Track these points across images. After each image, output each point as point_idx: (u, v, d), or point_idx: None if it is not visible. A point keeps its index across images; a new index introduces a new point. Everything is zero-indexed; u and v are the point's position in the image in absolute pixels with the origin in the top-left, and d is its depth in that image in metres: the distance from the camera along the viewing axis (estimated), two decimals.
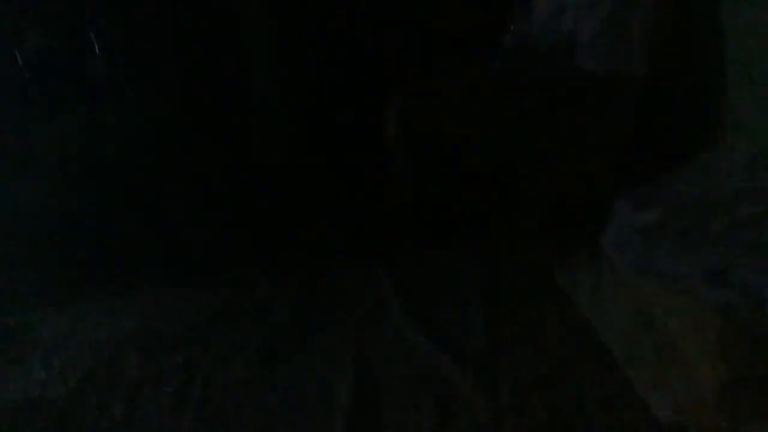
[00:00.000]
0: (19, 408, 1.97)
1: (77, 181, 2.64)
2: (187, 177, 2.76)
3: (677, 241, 2.02)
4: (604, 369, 1.95)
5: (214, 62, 2.71)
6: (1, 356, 2.24)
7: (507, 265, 2.48)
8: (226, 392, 1.98)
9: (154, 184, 2.72)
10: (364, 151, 2.79)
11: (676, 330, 1.84)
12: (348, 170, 2.90)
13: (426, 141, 2.57)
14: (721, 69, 2.30)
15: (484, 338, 2.13)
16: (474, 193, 2.59)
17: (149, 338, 2.25)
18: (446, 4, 2.89)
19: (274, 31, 2.82)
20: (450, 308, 2.29)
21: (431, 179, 2.63)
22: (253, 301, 2.46)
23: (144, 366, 2.11)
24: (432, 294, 2.39)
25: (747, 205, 1.95)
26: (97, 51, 2.55)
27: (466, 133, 2.54)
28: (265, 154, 2.91)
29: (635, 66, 2.40)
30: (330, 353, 2.13)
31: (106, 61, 2.58)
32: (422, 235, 2.66)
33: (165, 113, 2.72)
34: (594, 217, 2.24)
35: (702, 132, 2.41)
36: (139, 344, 2.22)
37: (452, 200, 2.62)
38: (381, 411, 1.86)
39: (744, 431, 1.60)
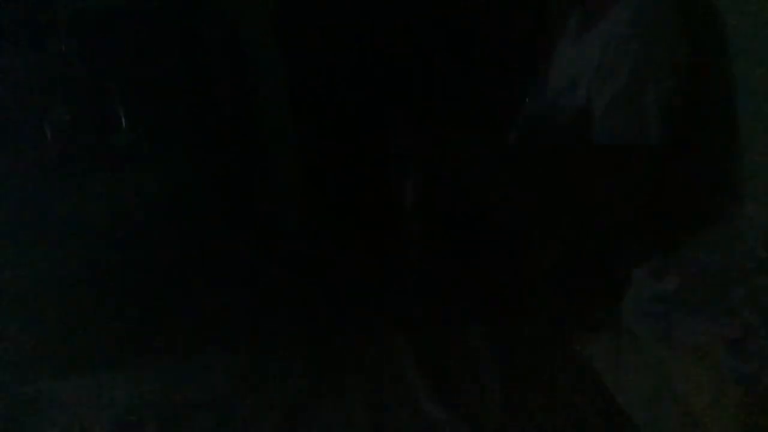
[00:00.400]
0: None
1: (99, 249, 2.69)
2: (207, 243, 2.80)
3: (697, 310, 2.00)
4: None
5: (236, 133, 2.78)
6: (19, 428, 2.24)
7: (524, 335, 2.46)
8: None
9: (175, 250, 2.76)
10: (381, 217, 2.81)
11: (697, 401, 1.81)
12: (365, 236, 2.91)
13: (443, 209, 2.59)
14: (738, 135, 2.32)
15: (501, 408, 2.10)
16: (491, 260, 2.59)
17: (170, 405, 2.24)
18: (462, 75, 2.94)
19: (293, 105, 2.89)
20: (467, 378, 2.28)
21: (448, 247, 2.64)
22: (273, 367, 2.45)
23: None
24: (449, 364, 2.37)
25: (767, 274, 1.94)
26: (123, 122, 2.63)
27: (483, 203, 2.56)
28: (282, 221, 2.94)
29: (651, 136, 2.42)
30: (348, 422, 2.11)
31: (132, 132, 2.66)
32: (440, 304, 2.65)
33: (188, 181, 2.78)
34: (613, 285, 2.24)
35: (720, 200, 2.42)
36: (161, 411, 2.21)
37: (469, 267, 2.62)
38: None
39: None
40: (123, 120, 2.62)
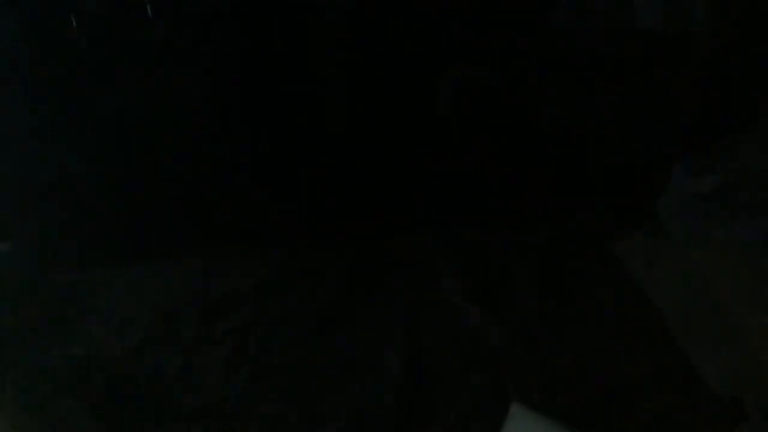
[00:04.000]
0: (78, 364, 2.03)
1: (135, 147, 2.67)
2: (244, 143, 2.77)
3: (735, 208, 1.97)
4: (657, 339, 1.92)
5: (273, 20, 2.66)
6: (61, 313, 2.31)
7: (560, 234, 2.45)
8: (280, 355, 2.03)
9: (211, 150, 2.73)
10: (421, 121, 2.73)
11: (732, 299, 1.80)
12: (406, 141, 2.83)
13: (481, 110, 2.53)
14: None
15: (534, 308, 2.11)
16: (527, 160, 2.56)
17: (205, 301, 2.29)
18: None
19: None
20: (501, 279, 2.27)
21: (487, 148, 2.59)
22: (309, 268, 2.48)
23: (200, 328, 2.16)
24: (484, 265, 2.37)
25: None
26: (150, 14, 2.55)
27: (519, 100, 2.50)
28: (324, 126, 2.85)
29: (696, 24, 2.31)
30: (382, 322, 2.14)
31: (160, 25, 2.58)
32: (476, 205, 2.62)
33: (221, 76, 2.70)
34: (650, 182, 2.19)
35: (763, 95, 2.32)
36: (196, 307, 2.26)
37: (506, 169, 2.59)
38: (430, 379, 1.88)
39: None
40: (149, 11, 2.53)
